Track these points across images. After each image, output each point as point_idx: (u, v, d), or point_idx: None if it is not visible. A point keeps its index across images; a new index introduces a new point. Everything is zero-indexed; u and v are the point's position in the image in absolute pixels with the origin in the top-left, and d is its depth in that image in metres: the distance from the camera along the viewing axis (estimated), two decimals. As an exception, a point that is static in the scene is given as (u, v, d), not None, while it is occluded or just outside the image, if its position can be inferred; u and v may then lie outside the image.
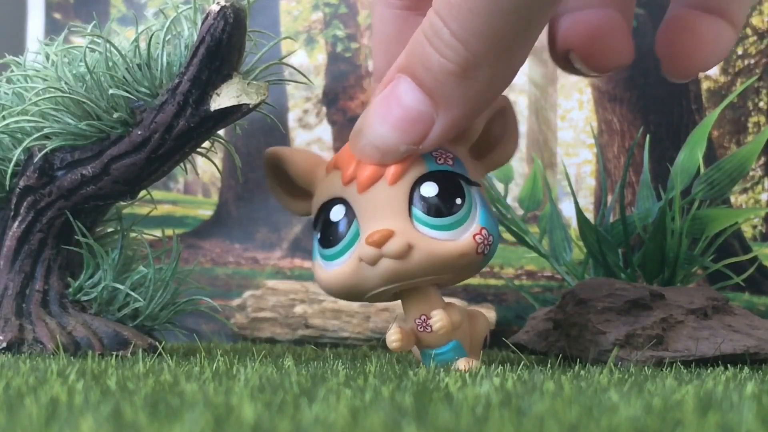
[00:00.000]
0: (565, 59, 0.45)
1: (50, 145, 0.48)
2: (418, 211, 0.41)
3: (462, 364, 0.42)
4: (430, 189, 0.41)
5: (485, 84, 0.38)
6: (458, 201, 0.41)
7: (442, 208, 0.41)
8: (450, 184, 0.42)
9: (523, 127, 0.72)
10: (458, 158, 0.42)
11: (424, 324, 0.42)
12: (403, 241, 0.40)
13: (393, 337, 0.42)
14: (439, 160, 0.42)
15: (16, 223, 0.49)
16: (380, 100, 0.41)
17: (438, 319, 0.42)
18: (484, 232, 0.41)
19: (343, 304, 0.67)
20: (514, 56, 0.38)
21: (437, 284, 0.43)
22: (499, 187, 0.65)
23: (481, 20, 0.37)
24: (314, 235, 0.44)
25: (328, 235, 0.42)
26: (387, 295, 0.43)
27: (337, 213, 0.42)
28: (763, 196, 0.68)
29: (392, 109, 0.40)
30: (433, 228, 0.41)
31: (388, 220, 0.41)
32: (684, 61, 0.45)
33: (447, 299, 0.44)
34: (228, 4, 0.46)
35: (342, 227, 0.42)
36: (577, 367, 0.43)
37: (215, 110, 0.46)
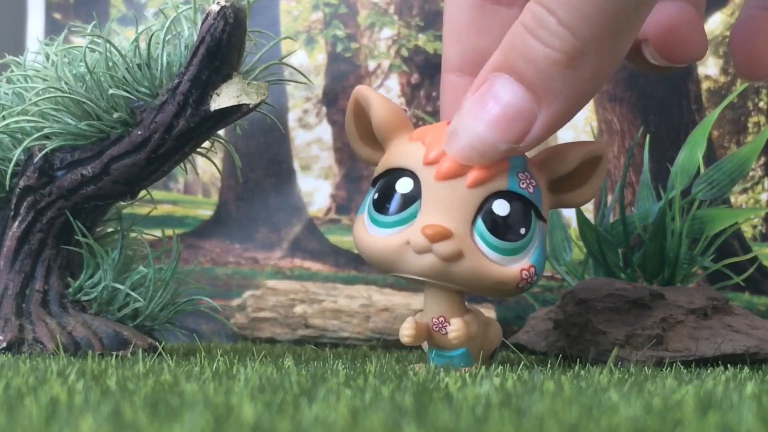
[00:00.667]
0: (636, 50, 0.45)
1: (50, 145, 0.48)
2: (481, 224, 0.40)
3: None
4: (501, 208, 0.40)
5: (591, 73, 0.37)
6: (522, 230, 0.41)
7: (504, 231, 0.40)
8: (522, 210, 0.41)
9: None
10: (539, 187, 0.42)
11: (441, 325, 0.42)
12: (457, 247, 0.40)
13: (406, 332, 0.42)
14: (522, 183, 0.41)
15: (16, 223, 0.49)
16: (475, 99, 0.39)
17: (455, 329, 0.41)
18: (532, 270, 0.41)
19: (343, 304, 0.67)
20: (623, 40, 0.37)
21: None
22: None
23: (592, 3, 0.36)
24: (369, 190, 0.43)
25: (386, 202, 0.41)
26: (413, 280, 0.42)
27: (404, 185, 0.41)
28: (763, 196, 0.68)
29: (489, 107, 0.39)
30: (488, 246, 0.40)
31: (452, 219, 0.40)
32: (760, 62, 0.45)
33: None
34: (228, 4, 0.46)
35: (403, 201, 0.41)
36: (577, 367, 0.43)
37: (215, 110, 0.46)
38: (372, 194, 0.42)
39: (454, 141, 0.40)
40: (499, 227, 0.40)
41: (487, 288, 0.41)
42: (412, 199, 0.41)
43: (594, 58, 0.37)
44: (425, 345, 0.44)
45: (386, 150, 0.43)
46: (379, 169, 0.43)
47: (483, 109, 0.39)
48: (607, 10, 0.36)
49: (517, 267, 0.41)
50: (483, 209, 0.40)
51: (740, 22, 0.46)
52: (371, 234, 0.42)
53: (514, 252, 0.41)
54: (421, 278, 0.41)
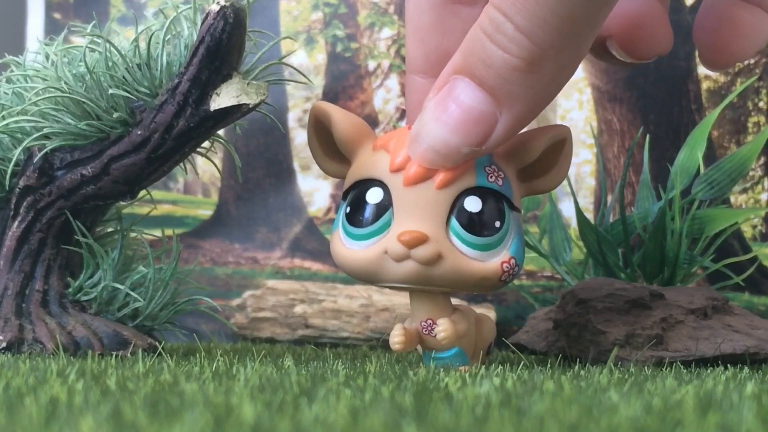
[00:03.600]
0: (600, 45, 0.45)
1: (50, 145, 0.48)
2: (456, 223, 0.40)
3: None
4: (473, 204, 0.41)
5: (550, 77, 0.38)
6: (497, 224, 0.41)
7: (479, 227, 0.41)
8: (494, 204, 0.41)
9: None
10: (508, 178, 0.42)
11: (430, 328, 0.42)
12: (435, 250, 0.40)
13: (396, 339, 0.42)
14: (491, 177, 0.41)
15: (16, 223, 0.49)
16: (436, 103, 0.39)
17: (443, 329, 0.41)
18: (512, 261, 0.41)
19: (343, 303, 0.67)
20: (581, 44, 0.37)
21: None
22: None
23: (548, 8, 0.36)
24: (341, 204, 0.43)
25: (359, 214, 0.41)
26: (397, 287, 0.42)
27: (374, 195, 0.41)
28: (763, 196, 0.68)
29: (451, 110, 0.39)
30: (465, 244, 0.41)
31: (425, 223, 0.40)
32: (723, 50, 0.44)
33: (453, 300, 0.44)
34: (228, 4, 0.46)
35: (376, 211, 0.41)
36: (577, 367, 0.43)
37: (215, 110, 0.46)
38: (344, 208, 0.42)
39: (416, 144, 0.40)
40: (473, 224, 0.41)
41: (471, 285, 0.41)
42: (384, 208, 0.41)
43: (553, 62, 0.37)
44: (420, 349, 0.44)
45: (352, 162, 0.43)
46: (347, 183, 0.43)
47: (444, 113, 0.39)
48: (564, 15, 0.36)
49: (497, 261, 0.41)
50: (455, 208, 0.40)
51: (704, 9, 0.45)
52: (348, 248, 0.42)
53: (492, 246, 0.41)
54: (404, 285, 0.41)
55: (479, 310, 0.67)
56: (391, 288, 0.43)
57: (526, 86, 0.38)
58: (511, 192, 0.42)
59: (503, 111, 0.38)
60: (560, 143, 0.43)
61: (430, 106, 0.40)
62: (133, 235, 0.53)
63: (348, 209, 0.42)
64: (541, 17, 0.36)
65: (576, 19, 0.36)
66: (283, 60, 0.54)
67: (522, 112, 0.39)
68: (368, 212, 0.41)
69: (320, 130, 0.44)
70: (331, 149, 0.44)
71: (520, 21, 0.36)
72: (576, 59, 0.38)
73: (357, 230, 0.41)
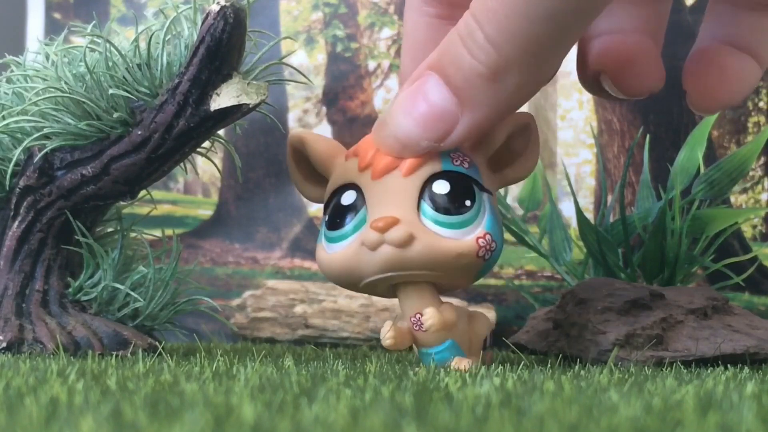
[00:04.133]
0: (594, 81, 0.46)
1: (50, 145, 0.48)
2: (426, 206, 0.41)
3: (455, 362, 0.42)
4: (441, 187, 0.42)
5: (513, 89, 0.39)
6: (467, 203, 0.42)
7: (450, 207, 0.42)
8: (462, 185, 0.42)
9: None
10: (475, 164, 0.43)
11: (419, 323, 0.42)
12: (406, 231, 0.41)
13: (387, 335, 0.42)
14: (456, 161, 0.42)
15: (16, 223, 0.49)
16: (407, 94, 0.41)
17: (428, 317, 0.42)
18: (488, 237, 0.42)
19: (343, 303, 0.67)
20: (545, 64, 0.39)
21: (436, 286, 0.43)
22: (499, 187, 0.65)
23: (517, 25, 0.37)
24: (323, 218, 0.44)
25: (336, 218, 0.43)
26: (382, 287, 0.43)
27: (348, 197, 0.43)
28: (763, 196, 0.68)
29: (418, 104, 0.40)
30: (438, 224, 0.41)
31: (396, 209, 0.41)
32: (710, 96, 0.45)
33: (446, 299, 0.44)
34: (228, 4, 0.46)
35: (350, 211, 0.42)
36: (577, 367, 0.43)
37: (215, 110, 0.46)
38: (324, 219, 0.44)
39: (381, 130, 0.42)
40: (443, 204, 0.42)
41: (451, 265, 0.42)
42: (358, 207, 0.42)
43: (516, 77, 0.38)
44: (416, 349, 0.44)
45: (329, 179, 0.45)
46: (325, 196, 0.44)
47: (412, 105, 0.41)
48: (532, 34, 0.37)
49: (471, 237, 0.42)
50: (424, 193, 0.42)
51: (694, 53, 0.46)
52: (329, 253, 0.43)
53: (465, 224, 0.42)
54: (384, 275, 0.42)
55: (479, 310, 0.67)
56: (373, 292, 0.43)
57: (488, 94, 0.39)
58: (478, 174, 0.43)
59: (465, 112, 0.40)
60: (524, 129, 0.44)
61: (401, 96, 0.41)
62: (133, 235, 0.53)
63: (327, 218, 0.43)
64: (510, 32, 0.37)
65: (541, 41, 0.37)
66: (283, 60, 0.54)
67: (482, 117, 0.40)
68: (344, 214, 0.43)
69: (298, 157, 0.46)
70: (310, 174, 0.46)
71: (491, 32, 0.38)
72: (540, 77, 0.40)
73: (336, 233, 0.43)
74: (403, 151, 0.41)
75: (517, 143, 0.44)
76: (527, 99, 0.41)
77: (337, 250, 0.43)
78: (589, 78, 0.46)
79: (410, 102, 0.41)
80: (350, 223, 0.42)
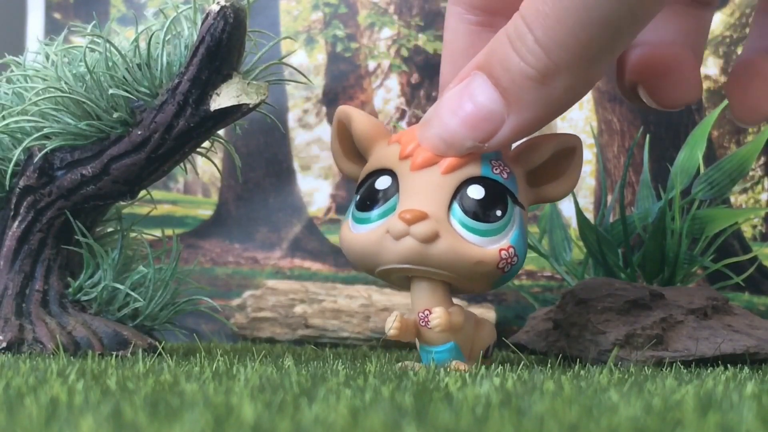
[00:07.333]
0: (632, 91, 0.46)
1: (50, 145, 0.48)
2: (457, 208, 0.42)
3: (454, 366, 0.42)
4: (476, 192, 0.42)
5: (561, 92, 0.39)
6: (498, 213, 0.42)
7: (480, 213, 0.42)
8: (497, 194, 0.42)
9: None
10: (514, 175, 0.43)
11: (427, 319, 0.42)
12: (433, 227, 0.41)
13: (391, 324, 0.42)
14: (496, 169, 0.42)
15: (16, 223, 0.49)
16: (453, 93, 0.41)
17: (436, 316, 0.42)
18: (511, 250, 0.42)
19: (343, 303, 0.67)
20: (595, 69, 0.39)
21: (450, 285, 0.43)
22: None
23: (568, 31, 0.37)
24: (354, 197, 0.44)
25: (367, 200, 0.43)
26: (397, 276, 0.43)
27: (383, 182, 0.43)
28: (763, 196, 0.68)
29: (464, 103, 0.40)
30: (465, 228, 0.41)
31: (427, 204, 0.41)
32: (754, 107, 0.45)
33: (455, 301, 0.44)
34: (228, 4, 0.46)
35: (382, 196, 0.43)
36: (577, 367, 0.43)
37: (215, 110, 0.46)
38: (355, 198, 0.44)
39: (426, 128, 0.42)
40: (474, 209, 0.42)
41: (470, 271, 0.42)
42: (391, 193, 0.43)
43: (565, 80, 0.38)
44: (417, 343, 0.44)
45: (368, 159, 0.45)
46: (361, 176, 0.44)
47: (458, 105, 0.41)
48: (582, 39, 0.37)
49: (495, 247, 0.42)
50: (458, 194, 0.42)
51: (738, 65, 0.46)
52: (354, 233, 0.43)
53: (492, 233, 0.42)
54: (402, 265, 0.42)
55: (479, 310, 0.67)
56: (391, 278, 0.43)
57: (537, 96, 0.39)
58: (515, 187, 0.43)
59: (511, 114, 0.40)
60: (570, 151, 0.44)
61: (447, 95, 0.41)
62: (133, 235, 0.53)
63: (358, 197, 0.44)
64: (560, 36, 0.37)
65: (592, 46, 0.37)
66: (283, 60, 0.54)
67: (528, 119, 0.40)
68: (376, 197, 0.43)
69: (341, 132, 0.46)
70: (351, 150, 0.46)
71: (541, 35, 0.38)
72: (588, 81, 0.40)
73: (364, 214, 0.43)
74: (447, 150, 0.41)
75: (560, 163, 0.44)
76: (575, 102, 0.41)
77: (361, 232, 0.43)
78: (627, 87, 0.46)
79: (456, 101, 0.41)
80: (380, 207, 0.43)
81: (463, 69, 0.41)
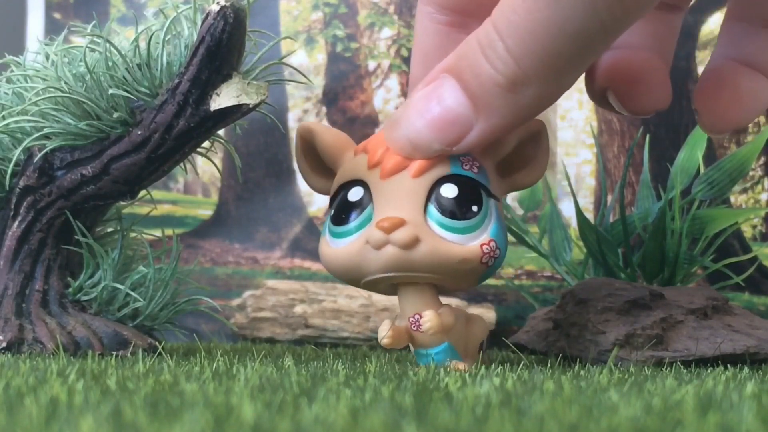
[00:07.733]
0: (601, 96, 0.46)
1: (50, 145, 0.48)
2: (433, 209, 0.41)
3: (453, 366, 0.42)
4: (449, 190, 0.42)
5: (530, 101, 0.39)
6: (474, 208, 0.42)
7: (457, 211, 0.41)
8: (470, 190, 0.42)
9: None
10: (484, 168, 0.43)
11: (418, 323, 0.42)
12: (412, 233, 0.41)
13: (384, 334, 0.42)
14: (465, 165, 0.42)
15: (16, 223, 0.49)
16: (421, 96, 0.41)
17: (427, 319, 0.42)
18: (492, 243, 0.42)
19: (342, 303, 0.67)
20: (564, 79, 0.39)
21: (436, 287, 0.43)
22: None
23: (538, 42, 0.37)
24: (327, 212, 0.44)
25: (341, 213, 0.43)
26: (383, 285, 0.43)
27: (355, 194, 0.43)
28: (763, 196, 0.68)
29: (432, 106, 0.40)
30: (444, 228, 0.41)
31: (403, 210, 0.41)
32: (722, 116, 0.45)
33: (446, 300, 0.44)
34: (228, 4, 0.46)
35: (356, 208, 0.42)
36: (577, 367, 0.43)
37: (215, 110, 0.46)
38: (329, 213, 0.44)
39: (393, 130, 0.42)
40: (450, 208, 0.42)
41: (454, 270, 0.42)
42: (364, 204, 0.42)
43: (535, 89, 0.38)
44: (412, 348, 0.44)
45: (337, 172, 0.44)
46: (332, 190, 0.44)
47: (426, 107, 0.41)
48: (552, 51, 0.37)
49: (476, 243, 0.42)
50: (432, 195, 0.42)
51: (706, 72, 0.45)
52: (334, 247, 0.43)
53: (470, 230, 0.42)
54: (386, 274, 0.42)
55: (479, 310, 0.67)
56: (378, 287, 0.43)
57: (505, 103, 0.39)
58: (487, 180, 0.43)
59: (480, 119, 0.40)
60: (535, 136, 0.44)
61: (416, 97, 0.41)
62: (133, 235, 0.53)
63: (332, 212, 0.43)
64: (530, 46, 0.37)
65: (563, 57, 0.37)
66: (283, 60, 0.54)
67: (496, 125, 0.40)
68: (350, 210, 0.43)
69: (306, 148, 0.46)
70: (318, 166, 0.46)
71: (511, 44, 0.38)
72: (556, 92, 0.40)
73: (341, 228, 0.43)
74: (413, 152, 0.41)
75: (527, 150, 0.44)
76: (543, 110, 0.41)
77: (341, 246, 0.43)
78: (597, 92, 0.46)
79: (424, 103, 0.41)
80: (356, 219, 0.42)
81: (431, 71, 0.41)
